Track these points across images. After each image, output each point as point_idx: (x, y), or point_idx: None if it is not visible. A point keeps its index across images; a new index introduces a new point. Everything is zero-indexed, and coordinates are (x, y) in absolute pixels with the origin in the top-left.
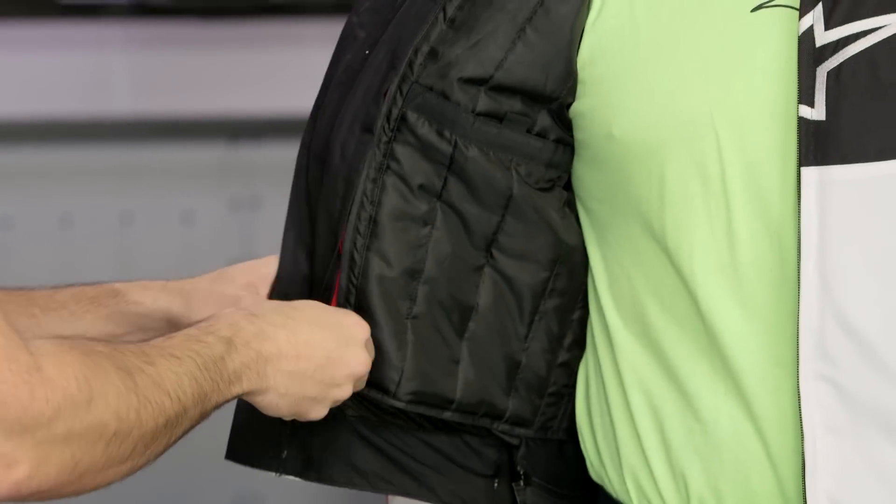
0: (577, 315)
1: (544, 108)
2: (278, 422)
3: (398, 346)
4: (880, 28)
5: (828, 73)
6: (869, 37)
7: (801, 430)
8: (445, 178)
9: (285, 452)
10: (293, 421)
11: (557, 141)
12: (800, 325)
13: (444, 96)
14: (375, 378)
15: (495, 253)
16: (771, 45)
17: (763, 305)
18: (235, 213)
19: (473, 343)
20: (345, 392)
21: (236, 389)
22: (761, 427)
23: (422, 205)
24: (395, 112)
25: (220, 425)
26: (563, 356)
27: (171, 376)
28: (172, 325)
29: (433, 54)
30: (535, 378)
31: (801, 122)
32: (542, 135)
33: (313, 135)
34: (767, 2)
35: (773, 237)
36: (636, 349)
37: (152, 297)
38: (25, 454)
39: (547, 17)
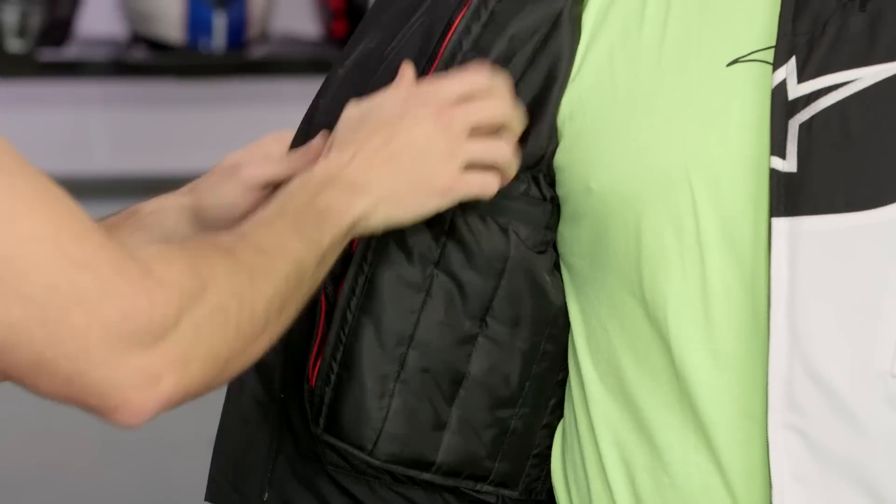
0: (560, 376)
1: (537, 169)
2: (261, 464)
3: (380, 406)
4: (852, 82)
5: (800, 125)
6: (841, 90)
7: (770, 482)
8: (444, 245)
9: (266, 495)
10: (274, 462)
11: (552, 200)
12: (769, 375)
13: None
14: (353, 435)
15: (489, 321)
16: (745, 98)
17: (735, 357)
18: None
19: (463, 409)
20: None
21: (339, 220)
22: (730, 480)
23: (418, 271)
24: None
25: (197, 428)
26: (546, 418)
27: (270, 239)
28: (195, 214)
29: None
30: (522, 441)
31: (773, 173)
32: (537, 196)
33: None
34: (742, 56)
35: (746, 289)
36: (610, 402)
37: (157, 203)
38: (166, 363)
39: None
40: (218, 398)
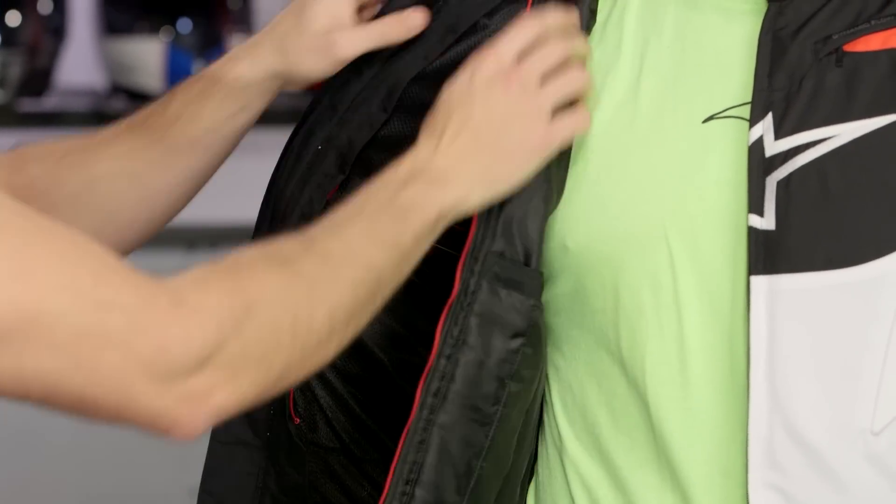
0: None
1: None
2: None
3: None
4: (829, 138)
5: (777, 182)
6: (818, 147)
7: None
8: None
9: None
10: (260, 501)
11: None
12: (749, 433)
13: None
14: None
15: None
16: (722, 155)
17: (713, 415)
18: (199, 442)
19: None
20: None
21: (424, 214)
22: None
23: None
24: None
25: (179, 477)
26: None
27: (339, 245)
28: (283, 81)
29: None
30: (513, 498)
31: (751, 231)
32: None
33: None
34: (718, 112)
35: (724, 346)
36: (586, 459)
37: (249, 67)
38: (213, 382)
39: None
40: (200, 448)
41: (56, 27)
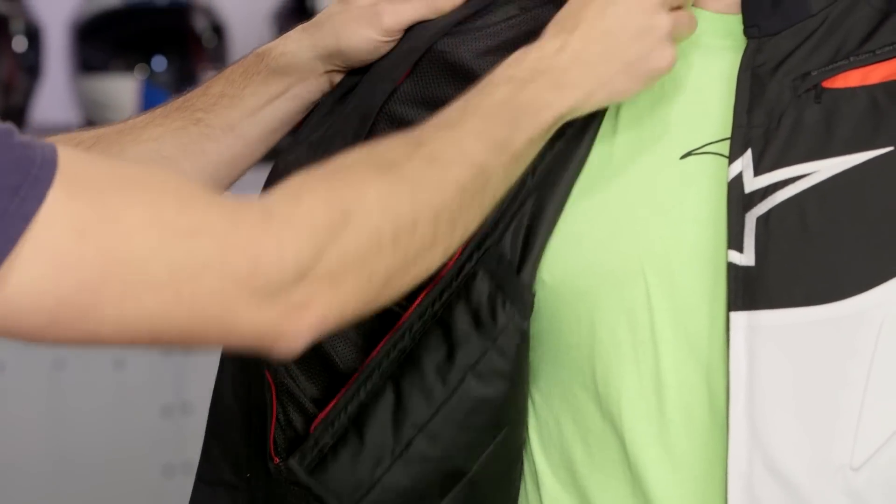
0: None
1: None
2: None
3: (372, 474)
4: (809, 175)
5: (757, 218)
6: (798, 183)
7: None
8: (486, 352)
9: None
10: None
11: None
12: (728, 469)
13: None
14: (336, 486)
15: (506, 430)
16: (700, 191)
17: (690, 452)
18: (167, 356)
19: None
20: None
21: (542, 116)
22: None
23: (455, 370)
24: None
25: (150, 399)
26: None
27: (447, 145)
28: (329, 58)
29: None
30: None
31: (731, 267)
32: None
33: None
34: (696, 149)
35: (701, 383)
36: (563, 495)
37: (295, 43)
38: (312, 292)
39: None
40: (172, 425)
41: (31, 65)
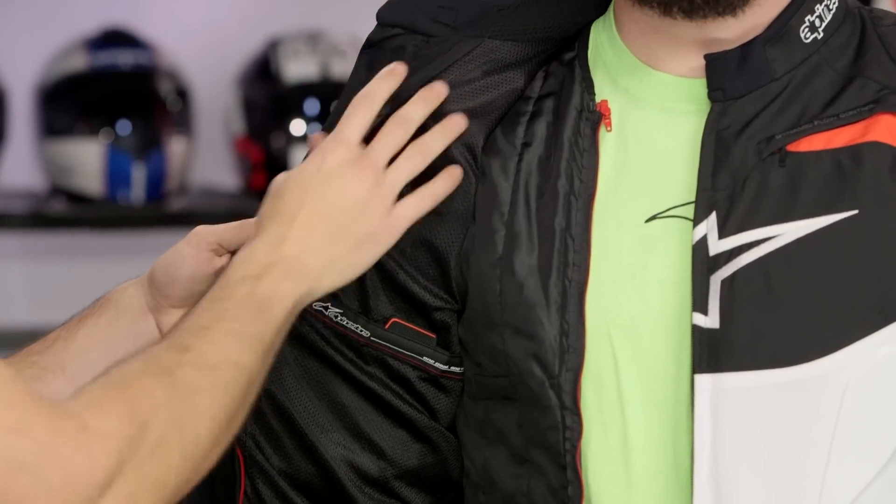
0: None
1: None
2: None
3: None
4: (773, 238)
5: (722, 281)
6: (762, 246)
7: None
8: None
9: None
10: None
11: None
12: None
13: None
14: None
15: None
16: (664, 254)
17: None
18: None
19: None
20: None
21: (282, 307)
22: None
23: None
24: None
25: None
26: None
27: (209, 349)
28: (161, 288)
29: None
30: None
31: (695, 329)
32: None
33: None
34: (661, 212)
35: (667, 445)
36: None
37: (133, 282)
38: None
39: None
40: None
41: None
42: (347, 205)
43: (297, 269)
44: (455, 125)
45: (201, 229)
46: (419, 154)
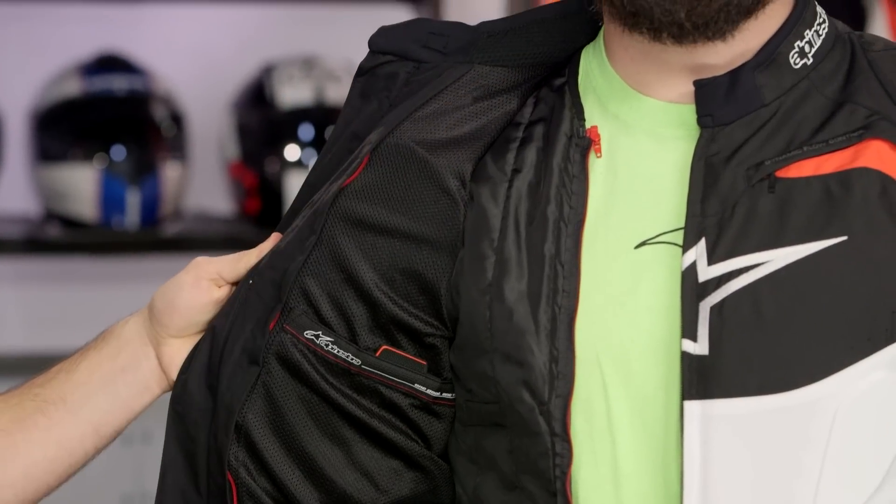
0: None
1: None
2: None
3: None
4: (762, 264)
5: (710, 307)
6: (751, 272)
7: None
8: None
9: None
10: None
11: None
12: None
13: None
14: None
15: None
16: (654, 281)
17: None
18: (128, 447)
19: None
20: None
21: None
22: None
23: None
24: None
25: (110, 488)
26: None
27: None
28: (162, 319)
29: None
30: None
31: (685, 356)
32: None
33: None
34: (650, 238)
35: (657, 472)
36: None
37: (134, 315)
38: None
39: None
40: (131, 454)
41: None
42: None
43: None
44: None
45: (201, 260)
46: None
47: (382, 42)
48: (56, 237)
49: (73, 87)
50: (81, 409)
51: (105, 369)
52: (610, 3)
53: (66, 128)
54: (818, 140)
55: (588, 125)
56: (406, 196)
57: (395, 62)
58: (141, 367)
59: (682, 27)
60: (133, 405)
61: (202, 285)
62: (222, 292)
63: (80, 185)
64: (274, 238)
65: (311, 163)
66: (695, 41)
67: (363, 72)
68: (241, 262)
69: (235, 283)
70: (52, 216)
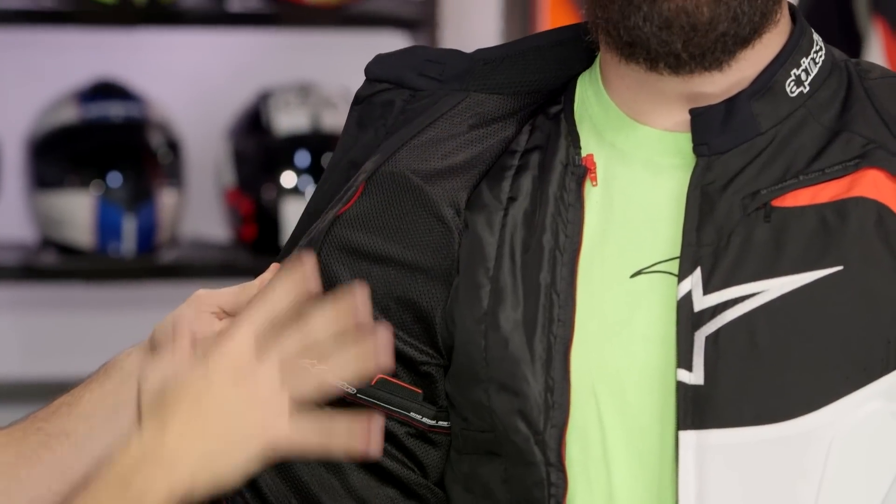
0: None
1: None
2: None
3: None
4: (757, 294)
5: (706, 337)
6: (746, 302)
7: None
8: None
9: None
10: None
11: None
12: None
13: None
14: None
15: None
16: (649, 310)
17: None
18: None
19: None
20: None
21: (157, 498)
22: None
23: None
24: None
25: None
26: None
27: None
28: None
29: None
30: None
31: (680, 386)
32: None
33: None
34: (646, 267)
35: (652, 501)
36: None
37: (137, 348)
38: None
39: None
40: None
41: None
42: (227, 409)
43: (171, 461)
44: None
45: (202, 293)
46: (314, 379)
47: (379, 70)
48: (52, 264)
49: (70, 114)
50: (85, 443)
51: (108, 402)
52: (606, 33)
53: (62, 154)
54: (814, 169)
55: (584, 153)
56: (401, 224)
57: (391, 90)
58: None
59: (678, 58)
60: None
61: (204, 318)
62: (223, 324)
63: (77, 211)
64: (273, 268)
65: (308, 189)
66: (691, 71)
67: (360, 100)
68: (242, 295)
69: (236, 315)
70: (48, 243)
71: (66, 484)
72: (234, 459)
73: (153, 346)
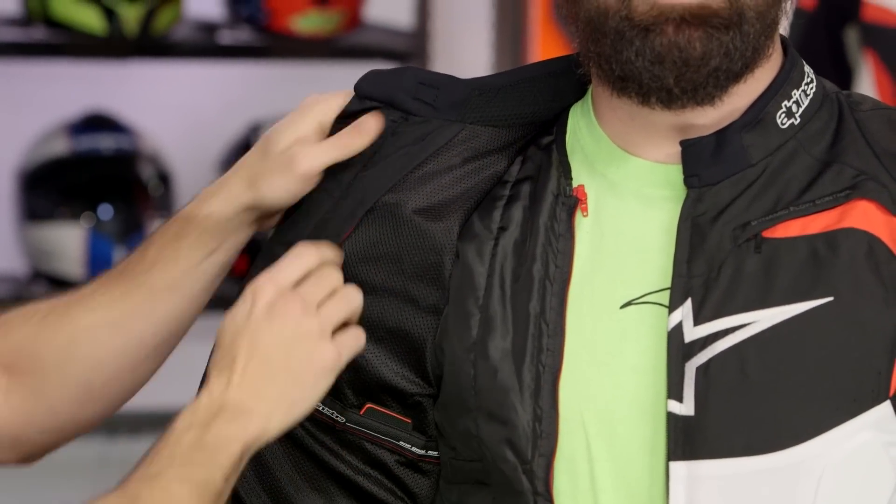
0: None
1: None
2: None
3: None
4: (748, 325)
5: (696, 368)
6: (737, 333)
7: None
8: None
9: None
10: None
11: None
12: None
13: None
14: None
15: None
16: (639, 341)
17: None
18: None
19: None
20: (328, 352)
21: (229, 452)
22: None
23: None
24: None
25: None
26: None
27: (161, 495)
28: (253, 210)
29: None
30: None
31: (670, 417)
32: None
33: None
34: (636, 298)
35: None
36: None
37: (218, 203)
38: None
39: None
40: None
41: None
42: (280, 343)
43: (242, 413)
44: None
45: (305, 166)
46: (346, 302)
47: (369, 88)
48: (43, 296)
49: (61, 146)
50: (196, 292)
51: (211, 254)
52: (598, 67)
53: (53, 187)
54: (805, 200)
55: (575, 184)
56: (396, 256)
57: (380, 110)
58: (245, 243)
59: (670, 93)
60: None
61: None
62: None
63: (67, 243)
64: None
65: None
66: (683, 106)
67: (347, 115)
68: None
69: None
70: (38, 275)
71: (184, 330)
72: (300, 391)
73: (264, 151)
